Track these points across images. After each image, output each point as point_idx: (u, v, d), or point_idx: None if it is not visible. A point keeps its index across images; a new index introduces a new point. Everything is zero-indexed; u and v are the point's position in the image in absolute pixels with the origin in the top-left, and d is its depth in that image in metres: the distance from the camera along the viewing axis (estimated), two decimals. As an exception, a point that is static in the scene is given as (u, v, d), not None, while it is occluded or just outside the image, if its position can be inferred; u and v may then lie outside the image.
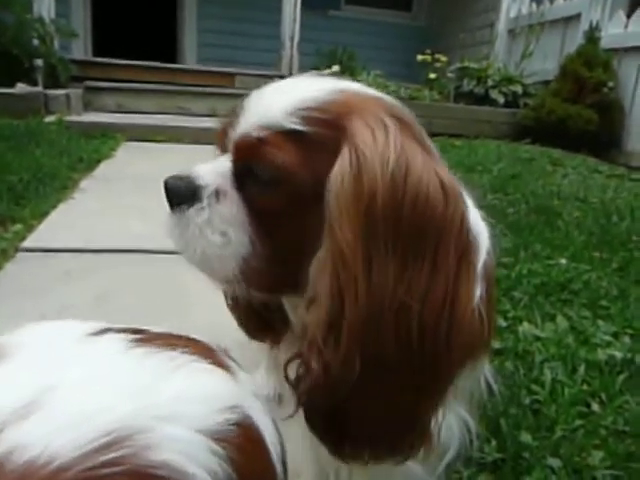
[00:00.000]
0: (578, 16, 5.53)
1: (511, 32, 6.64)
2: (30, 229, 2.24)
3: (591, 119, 4.77)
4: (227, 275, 0.70)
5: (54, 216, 2.44)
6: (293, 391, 0.65)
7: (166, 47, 7.71)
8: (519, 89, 5.63)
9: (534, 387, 1.33)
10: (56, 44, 5.33)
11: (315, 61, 6.37)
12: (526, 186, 3.39)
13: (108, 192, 2.91)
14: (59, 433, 0.31)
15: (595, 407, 1.28)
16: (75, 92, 5.06)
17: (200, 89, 5.67)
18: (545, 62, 5.88)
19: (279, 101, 0.67)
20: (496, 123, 5.36)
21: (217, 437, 0.35)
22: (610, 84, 4.84)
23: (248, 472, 0.36)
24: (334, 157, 0.63)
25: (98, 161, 3.53)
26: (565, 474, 1.07)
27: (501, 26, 6.72)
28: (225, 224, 0.69)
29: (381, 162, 0.60)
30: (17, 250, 2.04)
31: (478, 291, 0.63)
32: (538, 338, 1.57)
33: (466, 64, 5.96)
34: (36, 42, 5.04)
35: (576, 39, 5.36)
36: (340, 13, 8.18)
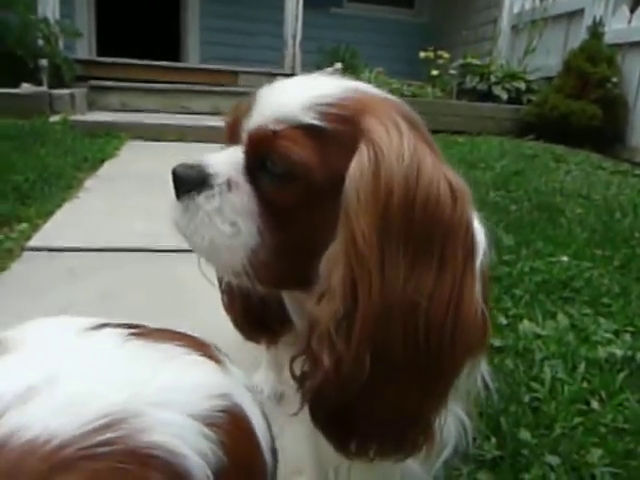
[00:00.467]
0: (581, 11, 5.50)
1: (514, 28, 6.62)
2: (35, 228, 2.26)
3: (595, 115, 4.76)
4: (234, 266, 0.70)
5: (59, 215, 2.46)
6: (298, 388, 0.66)
7: (169, 46, 7.72)
8: (522, 85, 5.62)
9: (534, 385, 1.34)
10: (60, 44, 5.36)
11: (318, 59, 6.38)
12: (529, 183, 3.39)
13: (113, 191, 2.93)
14: (58, 415, 0.33)
15: (595, 405, 1.29)
16: (79, 92, 5.09)
17: (204, 87, 5.69)
18: (548, 58, 5.86)
19: (296, 96, 0.68)
20: (499, 119, 5.35)
21: (207, 422, 0.37)
22: (614, 79, 4.82)
23: (237, 456, 0.38)
24: (350, 153, 0.64)
25: (102, 160, 3.54)
26: (564, 471, 1.08)
27: (504, 22, 6.70)
28: (235, 214, 0.69)
29: (397, 160, 0.61)
30: (23, 249, 2.06)
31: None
32: (539, 336, 1.58)
33: (469, 60, 5.94)
34: (41, 42, 5.06)
35: (579, 34, 5.34)
36: (342, 11, 8.18)
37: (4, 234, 2.15)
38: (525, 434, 1.17)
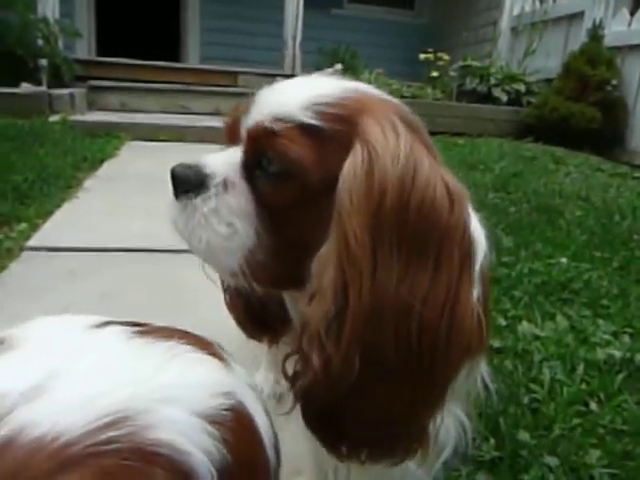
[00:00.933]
0: (581, 14, 5.52)
1: (514, 30, 6.63)
2: (35, 228, 2.26)
3: (594, 117, 4.77)
4: (231, 267, 0.70)
5: (59, 215, 2.46)
6: (290, 387, 0.66)
7: (169, 46, 7.73)
8: (522, 87, 5.63)
9: (533, 386, 1.34)
10: (60, 44, 5.36)
11: (318, 60, 6.38)
12: (528, 185, 3.39)
13: (112, 191, 2.93)
14: (65, 413, 0.34)
15: (593, 406, 1.29)
16: (79, 92, 5.09)
17: (203, 88, 5.69)
18: (548, 60, 5.87)
19: (294, 95, 0.68)
20: (499, 121, 5.36)
21: (211, 420, 0.37)
22: (613, 82, 4.83)
23: (241, 454, 0.39)
24: (345, 153, 0.64)
25: (102, 160, 3.54)
26: (562, 472, 1.08)
27: (504, 24, 6.71)
28: (232, 215, 0.69)
29: (392, 161, 0.61)
30: (22, 249, 2.06)
31: (475, 294, 0.64)
32: (538, 337, 1.58)
33: (469, 62, 5.95)
34: (40, 42, 5.06)
35: (579, 37, 5.35)
36: (343, 12, 8.18)
37: (3, 234, 2.15)
38: (524, 435, 1.17)
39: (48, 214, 2.43)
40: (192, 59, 7.63)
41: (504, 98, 5.58)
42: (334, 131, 0.66)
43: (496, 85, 5.67)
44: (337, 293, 0.60)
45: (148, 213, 2.39)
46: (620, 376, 1.40)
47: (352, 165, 0.62)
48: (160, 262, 2.03)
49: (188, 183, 0.70)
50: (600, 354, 1.49)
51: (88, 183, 3.02)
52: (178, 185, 0.71)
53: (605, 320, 1.70)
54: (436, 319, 0.60)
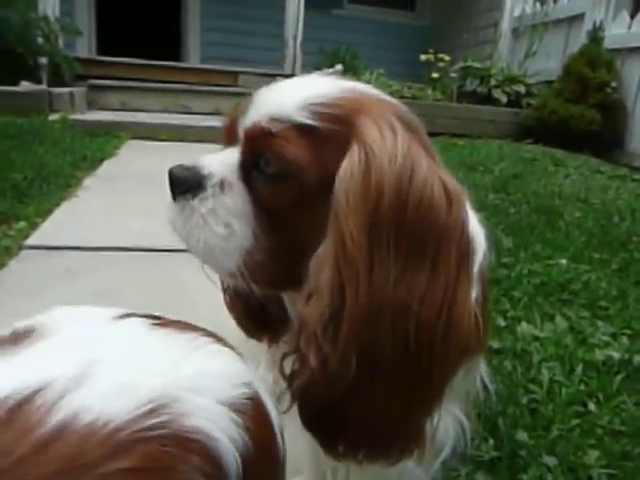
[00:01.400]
0: (582, 16, 5.52)
1: (515, 32, 6.63)
2: (34, 227, 2.26)
3: (594, 119, 4.77)
4: (229, 268, 0.70)
5: (58, 214, 2.45)
6: (288, 386, 0.66)
7: (170, 46, 7.72)
8: (522, 89, 5.63)
9: (532, 386, 1.35)
10: (60, 42, 5.36)
11: (318, 60, 6.38)
12: (528, 186, 3.39)
13: (111, 190, 2.93)
14: (110, 400, 0.35)
15: (592, 407, 1.29)
16: (79, 90, 5.09)
17: (204, 88, 5.69)
18: (548, 62, 5.87)
19: (291, 95, 0.68)
20: (499, 123, 5.36)
21: (235, 408, 0.40)
22: (613, 84, 4.83)
23: (259, 441, 0.40)
24: (342, 153, 0.64)
25: (102, 159, 3.54)
26: (561, 472, 1.09)
27: (505, 26, 6.72)
28: (229, 215, 0.69)
29: (389, 161, 0.61)
30: (21, 248, 2.06)
31: (474, 294, 0.64)
32: (537, 338, 1.58)
33: (469, 63, 5.96)
34: (40, 40, 5.06)
35: (579, 39, 5.36)
36: (343, 12, 8.19)
37: (2, 232, 2.14)
38: (523, 435, 1.17)
39: (47, 213, 2.43)
40: (192, 59, 7.63)
41: (504, 100, 5.58)
42: (331, 131, 0.65)
43: (496, 86, 5.67)
44: (334, 293, 0.60)
45: (148, 212, 2.39)
46: (619, 377, 1.40)
47: (349, 165, 0.62)
48: (159, 262, 2.03)
49: (186, 184, 0.70)
50: (599, 355, 1.50)
51: (87, 182, 3.02)
52: (176, 186, 0.71)
53: (604, 321, 1.70)
54: (433, 319, 0.59)
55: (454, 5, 7.94)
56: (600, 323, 1.69)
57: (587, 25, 5.31)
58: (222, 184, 0.70)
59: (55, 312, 0.45)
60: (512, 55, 6.53)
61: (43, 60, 4.99)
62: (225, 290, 0.88)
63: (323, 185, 0.64)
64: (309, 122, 0.65)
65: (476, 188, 3.11)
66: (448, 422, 0.80)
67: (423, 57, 6.18)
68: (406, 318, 0.59)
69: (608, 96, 4.83)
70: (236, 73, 6.22)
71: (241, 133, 0.71)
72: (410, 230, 0.60)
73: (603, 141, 4.80)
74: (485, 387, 0.94)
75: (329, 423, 0.64)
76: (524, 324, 1.65)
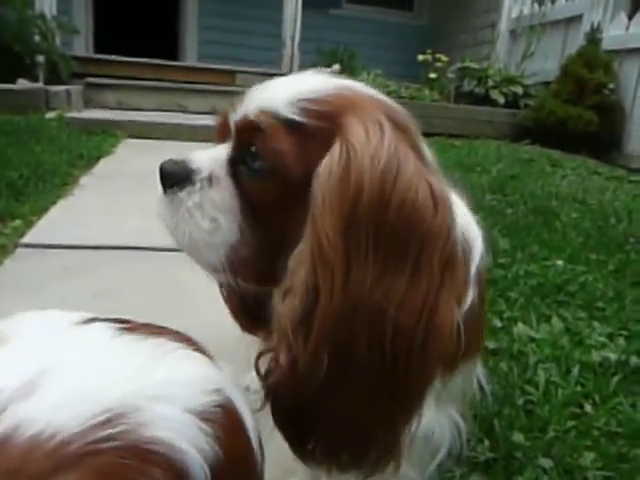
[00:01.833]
0: (579, 17, 5.53)
1: (512, 33, 6.64)
2: (29, 225, 2.25)
3: (591, 120, 4.78)
4: (214, 262, 0.71)
5: (53, 212, 2.44)
6: (262, 385, 0.65)
7: (167, 44, 7.71)
8: (519, 90, 5.64)
9: (528, 388, 1.34)
10: (57, 40, 5.34)
11: (316, 60, 6.37)
12: (525, 187, 3.39)
13: (108, 189, 2.92)
14: (60, 410, 0.33)
15: (588, 408, 1.29)
16: (76, 88, 5.07)
17: (201, 87, 5.67)
18: (546, 63, 5.88)
19: (282, 91, 0.68)
20: (496, 123, 5.36)
21: (203, 417, 0.37)
22: (611, 86, 4.84)
23: (231, 450, 0.38)
24: (326, 151, 0.63)
25: (98, 158, 3.53)
26: (557, 474, 1.08)
27: (502, 26, 6.72)
28: (215, 210, 0.70)
29: (371, 161, 0.59)
30: (16, 246, 2.05)
31: (470, 297, 0.64)
32: (533, 339, 1.58)
33: (467, 64, 5.96)
34: (38, 38, 5.04)
35: (577, 40, 5.36)
36: (341, 12, 8.18)
37: (-2, 230, 2.14)
38: (518, 437, 1.17)
39: (43, 211, 2.42)
40: (190, 57, 7.61)
41: (502, 100, 5.59)
42: (317, 128, 0.65)
43: (494, 87, 5.68)
44: (308, 292, 0.59)
45: (144, 211, 2.36)
46: (615, 378, 1.40)
47: (328, 163, 0.62)
48: (156, 260, 2.02)
49: (174, 177, 0.71)
50: (595, 356, 1.49)
51: (84, 180, 3.01)
52: (165, 179, 0.72)
53: (600, 322, 1.70)
54: (411, 325, 0.58)
55: (452, 5, 7.95)
56: (597, 324, 1.68)
57: (585, 26, 5.31)
58: (210, 178, 0.71)
59: (16, 317, 0.43)
60: (510, 56, 6.53)
61: (40, 58, 4.97)
62: (221, 285, 0.87)
63: (306, 182, 0.64)
64: (296, 118, 0.65)
65: (473, 189, 3.11)
66: (444, 423, 0.79)
67: (421, 57, 6.18)
68: (382, 322, 0.58)
69: (606, 97, 4.83)
70: (233, 72, 6.21)
71: (232, 127, 0.72)
72: (391, 232, 0.58)
73: (600, 142, 4.81)
74: (481, 388, 0.94)
75: (299, 423, 0.63)
76: (520, 325, 1.64)
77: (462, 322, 0.63)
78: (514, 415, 1.24)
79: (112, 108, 5.27)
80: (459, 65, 6.03)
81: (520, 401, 1.29)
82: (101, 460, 0.32)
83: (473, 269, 0.69)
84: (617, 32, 5.02)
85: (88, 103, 5.28)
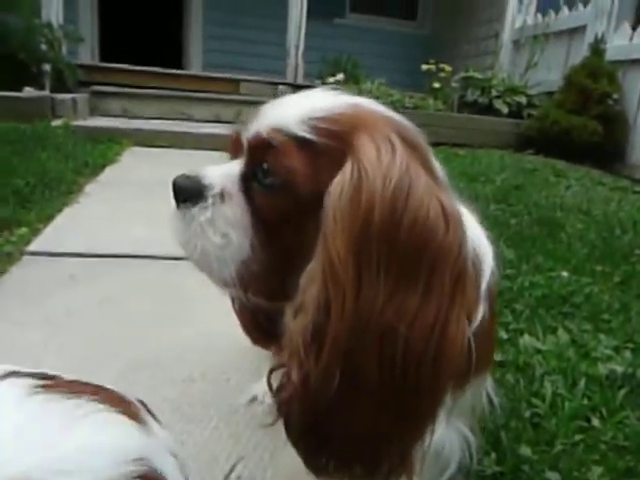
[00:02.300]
0: (583, 28, 5.54)
1: (516, 43, 6.66)
2: (35, 233, 2.25)
3: (595, 131, 4.78)
4: (225, 277, 0.71)
5: (59, 220, 2.45)
6: (274, 400, 0.65)
7: (172, 53, 7.75)
8: (523, 100, 5.65)
9: (534, 400, 1.34)
10: (64, 49, 5.37)
11: (320, 69, 6.40)
12: (529, 197, 3.39)
13: (113, 197, 2.93)
14: None
15: (595, 422, 1.28)
16: (82, 97, 5.10)
17: (205, 95, 5.70)
18: (549, 73, 5.89)
19: (294, 109, 0.69)
20: (500, 133, 5.37)
21: None
22: (615, 96, 4.84)
23: None
24: (337, 169, 0.64)
25: (104, 166, 3.55)
26: (564, 488, 1.08)
27: (506, 36, 6.74)
28: (227, 226, 0.70)
29: (383, 180, 0.60)
30: (22, 254, 2.05)
31: (480, 313, 0.64)
32: (539, 351, 1.57)
33: (470, 74, 5.97)
34: (44, 47, 5.07)
35: (581, 50, 5.37)
36: (345, 21, 8.22)
37: (4, 238, 2.14)
38: (525, 450, 1.16)
39: (49, 218, 2.42)
40: (194, 66, 7.65)
41: (505, 110, 5.59)
42: (328, 146, 0.66)
43: (497, 97, 5.69)
44: (319, 310, 0.60)
45: (149, 219, 2.38)
46: (622, 392, 1.39)
47: (340, 182, 0.62)
48: (161, 268, 2.02)
49: (187, 193, 0.72)
50: (602, 369, 1.49)
51: (89, 188, 3.02)
52: (178, 194, 0.73)
53: (606, 335, 1.69)
54: (422, 344, 0.58)
55: (455, 15, 7.98)
56: (602, 336, 1.68)
57: (589, 37, 5.32)
58: (222, 194, 0.71)
59: None
60: (513, 66, 6.54)
61: (46, 66, 5.00)
62: (233, 298, 0.88)
63: (316, 200, 0.64)
64: (307, 136, 0.66)
65: (477, 199, 3.11)
66: (454, 438, 0.79)
67: (424, 67, 6.20)
68: (393, 340, 0.58)
69: (609, 108, 4.84)
70: (238, 81, 6.24)
71: (244, 143, 0.72)
72: (403, 251, 0.59)
73: (605, 152, 4.80)
74: (490, 401, 0.93)
75: (312, 437, 0.63)
76: (526, 337, 1.64)
77: (473, 338, 0.63)
78: (521, 428, 1.23)
79: (117, 116, 5.30)
80: (463, 75, 6.04)
81: (527, 414, 1.29)
82: None
83: (484, 285, 0.69)
84: (621, 42, 5.04)
85: (94, 111, 5.30)
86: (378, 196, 0.59)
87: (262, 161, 0.68)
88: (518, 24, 6.64)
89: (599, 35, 5.12)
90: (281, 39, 6.33)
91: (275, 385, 0.65)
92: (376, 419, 0.60)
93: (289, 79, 6.17)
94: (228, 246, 0.70)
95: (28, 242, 2.15)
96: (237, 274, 0.70)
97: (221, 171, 0.73)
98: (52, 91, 4.90)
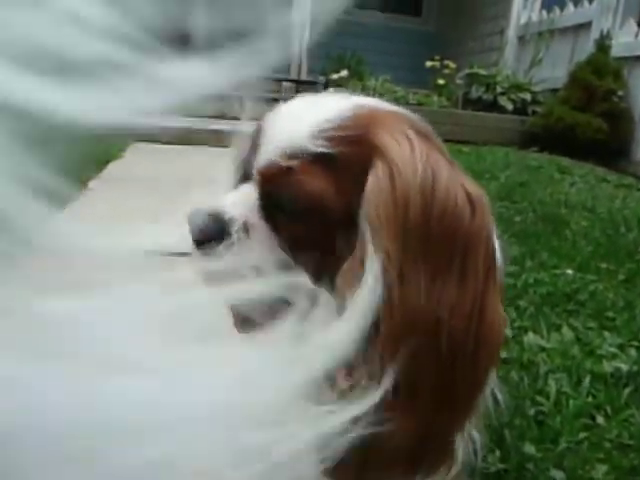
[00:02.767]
0: (589, 24, 5.52)
1: (521, 39, 6.63)
2: (39, 229, 2.25)
3: (600, 128, 4.76)
4: (259, 310, 0.64)
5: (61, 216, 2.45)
6: None
7: (176, 49, 7.75)
8: (528, 96, 5.63)
9: (539, 398, 1.33)
10: (67, 44, 5.37)
11: (324, 65, 6.39)
12: (533, 194, 3.38)
13: (116, 193, 2.92)
14: None
15: (600, 420, 1.28)
16: (85, 92, 5.09)
17: (209, 91, 5.69)
18: (554, 70, 5.87)
19: (300, 124, 0.66)
20: (504, 130, 5.35)
21: None
22: (620, 93, 4.82)
23: None
24: (362, 175, 0.62)
25: (106, 162, 3.54)
26: (569, 487, 1.07)
27: (511, 33, 6.72)
28: (256, 258, 0.67)
29: (412, 173, 0.60)
30: (26, 250, 2.05)
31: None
32: (543, 348, 1.57)
33: (475, 70, 5.95)
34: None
35: (586, 47, 5.35)
36: (349, 17, 8.19)
37: (7, 233, 2.14)
38: (530, 448, 1.16)
39: (52, 215, 2.42)
40: (198, 62, 7.64)
41: (510, 107, 5.58)
42: (347, 154, 0.64)
43: (502, 94, 5.67)
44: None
45: (152, 216, 2.37)
46: (627, 390, 1.38)
47: (375, 182, 0.61)
48: (164, 265, 2.02)
49: (208, 232, 0.67)
50: (606, 367, 1.48)
51: (92, 184, 3.01)
52: (199, 235, 0.67)
53: (611, 332, 1.69)
54: (464, 329, 0.59)
55: (460, 11, 7.95)
56: (607, 334, 1.67)
57: (594, 33, 5.30)
58: (245, 227, 0.67)
59: None
60: (518, 62, 6.52)
61: (50, 62, 5.00)
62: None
63: (348, 210, 0.63)
64: (325, 150, 0.63)
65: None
66: (459, 436, 0.79)
67: (429, 63, 6.19)
68: (438, 330, 0.58)
69: (615, 105, 4.82)
70: (242, 77, 6.22)
71: (256, 172, 0.68)
72: (436, 241, 0.59)
73: (609, 150, 4.79)
74: (494, 399, 0.93)
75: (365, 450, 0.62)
76: (530, 334, 1.63)
77: None
78: (525, 426, 1.23)
79: (121, 112, 5.29)
80: (467, 71, 6.02)
81: (531, 411, 1.28)
82: None
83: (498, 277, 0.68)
84: (626, 39, 5.01)
85: (97, 107, 5.30)
86: (412, 191, 0.59)
87: (282, 189, 0.65)
88: (523, 20, 6.62)
89: (604, 32, 5.10)
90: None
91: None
92: (427, 417, 0.60)
93: (293, 75, 6.16)
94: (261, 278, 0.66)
95: (31, 238, 2.15)
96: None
97: (238, 200, 0.69)
98: (56, 87, 4.90)
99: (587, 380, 1.41)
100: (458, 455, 0.67)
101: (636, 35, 4.95)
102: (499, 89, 5.70)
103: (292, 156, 0.64)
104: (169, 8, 0.32)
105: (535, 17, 6.44)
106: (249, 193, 0.69)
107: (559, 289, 1.96)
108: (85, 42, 0.30)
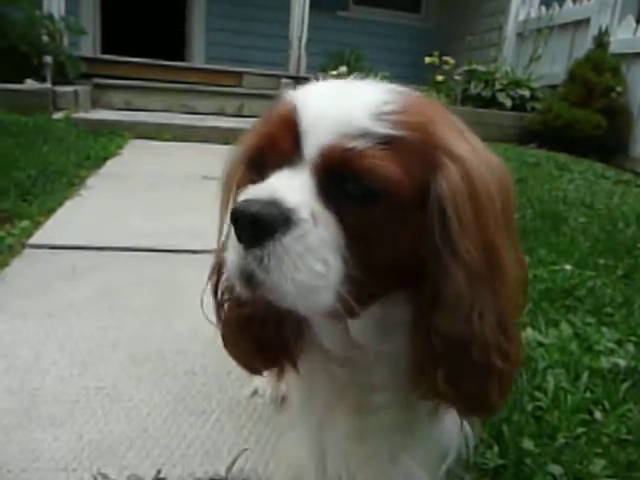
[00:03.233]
0: (587, 21, 5.51)
1: (520, 35, 6.63)
2: (37, 225, 2.25)
3: (599, 124, 4.76)
4: (326, 304, 0.62)
5: (61, 213, 2.45)
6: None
7: (174, 45, 7.73)
8: (527, 93, 5.62)
9: (537, 394, 1.33)
10: (65, 41, 5.36)
11: (323, 61, 6.38)
12: (532, 190, 3.38)
13: (115, 189, 2.92)
14: None
15: (598, 415, 1.28)
16: (83, 89, 5.09)
17: (208, 88, 5.69)
18: (553, 66, 5.86)
19: (355, 104, 0.62)
20: (503, 126, 5.35)
21: None
22: (618, 89, 4.82)
23: None
24: (429, 163, 0.61)
25: (105, 158, 3.54)
26: (566, 481, 1.07)
27: (510, 29, 6.71)
28: (325, 249, 0.61)
29: (485, 172, 0.63)
30: (24, 246, 2.05)
31: None
32: (542, 344, 1.57)
33: (474, 67, 5.95)
34: (45, 39, 5.07)
35: (585, 43, 5.35)
36: (348, 14, 8.18)
37: (5, 231, 2.14)
38: (528, 443, 1.16)
39: (50, 211, 2.42)
40: (197, 59, 7.63)
41: (509, 103, 5.57)
42: (412, 140, 0.61)
43: (501, 90, 5.66)
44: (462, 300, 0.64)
45: (150, 212, 2.38)
46: (625, 385, 1.39)
47: (452, 184, 0.61)
48: (162, 261, 2.02)
49: (272, 222, 0.59)
50: (604, 362, 1.48)
51: (91, 181, 3.01)
52: (259, 226, 0.59)
53: (609, 328, 1.69)
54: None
55: (459, 8, 7.94)
56: (605, 330, 1.67)
57: (593, 30, 5.30)
58: (313, 216, 0.61)
59: None
60: (517, 59, 6.52)
61: (48, 59, 4.99)
62: (226, 326, 0.81)
63: (416, 198, 0.61)
64: (392, 132, 0.60)
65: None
66: (452, 426, 0.79)
67: (427, 60, 6.17)
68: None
69: (613, 101, 4.82)
70: (240, 73, 6.22)
71: (312, 156, 0.62)
72: (507, 219, 0.67)
73: (608, 146, 4.79)
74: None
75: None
76: (529, 330, 1.63)
77: None
78: (523, 421, 1.23)
79: (119, 109, 5.29)
80: (466, 68, 6.02)
81: (529, 407, 1.28)
82: None
83: None
84: (625, 36, 5.01)
85: (95, 104, 5.30)
86: (490, 188, 0.63)
87: (347, 172, 0.60)
88: (522, 17, 6.61)
89: (603, 28, 5.10)
90: (284, 31, 6.31)
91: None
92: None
93: (292, 72, 6.16)
94: (329, 271, 0.61)
95: (30, 235, 2.15)
96: (337, 296, 0.62)
97: (294, 188, 0.62)
98: (54, 83, 4.89)
99: (585, 375, 1.41)
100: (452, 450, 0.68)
101: (635, 32, 4.94)
102: (498, 85, 5.70)
103: (356, 138, 0.60)
104: None
105: (534, 13, 6.43)
106: (301, 179, 0.63)
107: (557, 285, 1.96)
108: None
